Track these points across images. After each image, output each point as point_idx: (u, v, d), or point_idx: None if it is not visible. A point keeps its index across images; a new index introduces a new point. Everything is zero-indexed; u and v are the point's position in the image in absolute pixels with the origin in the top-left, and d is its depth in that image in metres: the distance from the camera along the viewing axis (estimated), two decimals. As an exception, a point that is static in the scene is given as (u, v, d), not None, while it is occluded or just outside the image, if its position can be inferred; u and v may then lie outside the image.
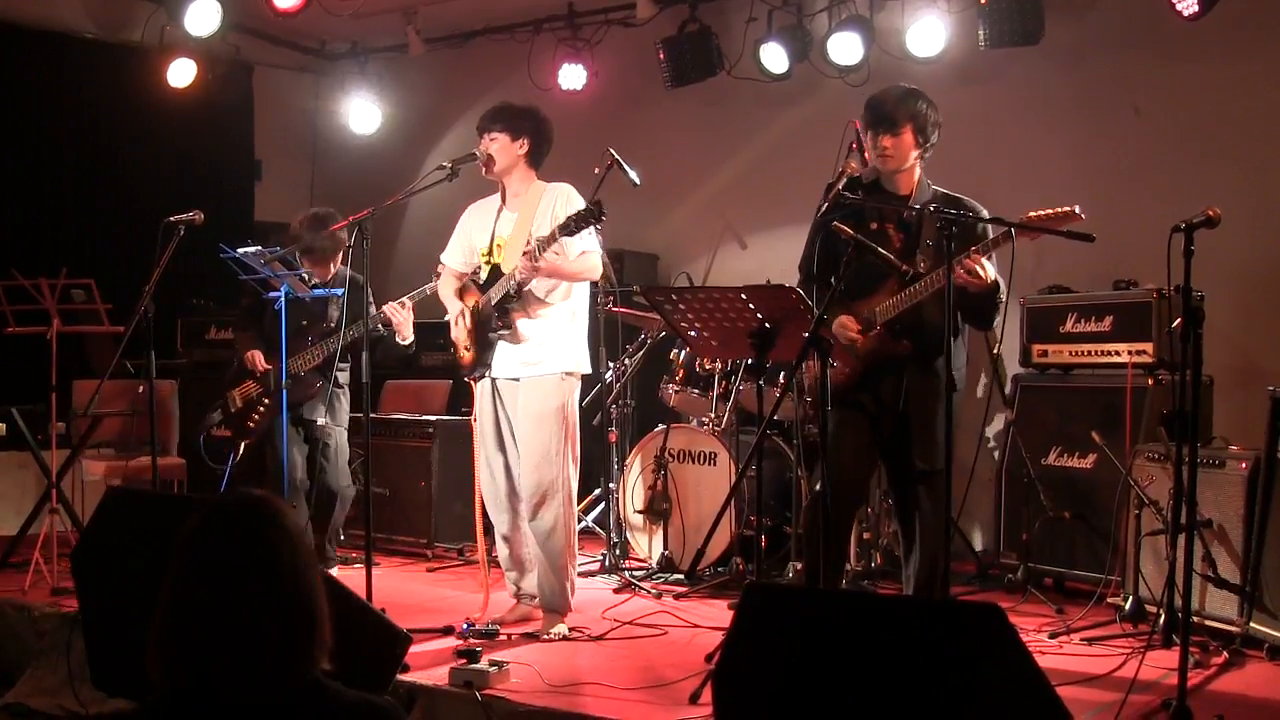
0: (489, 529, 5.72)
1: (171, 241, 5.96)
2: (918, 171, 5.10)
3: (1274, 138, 6.91)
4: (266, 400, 6.48)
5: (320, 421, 6.56)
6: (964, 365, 5.13)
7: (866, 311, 4.97)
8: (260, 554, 2.31)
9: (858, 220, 5.01)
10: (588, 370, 5.60)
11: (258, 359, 6.57)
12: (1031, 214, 4.58)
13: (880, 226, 5.04)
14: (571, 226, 5.14)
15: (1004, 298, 4.83)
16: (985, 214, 4.88)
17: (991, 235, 4.73)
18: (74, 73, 9.21)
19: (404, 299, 6.13)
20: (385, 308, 6.13)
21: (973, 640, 2.81)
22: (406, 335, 6.19)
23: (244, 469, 6.63)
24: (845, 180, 4.95)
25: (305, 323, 6.53)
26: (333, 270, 6.63)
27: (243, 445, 6.54)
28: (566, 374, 5.44)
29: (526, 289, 5.39)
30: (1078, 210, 4.48)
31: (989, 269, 4.70)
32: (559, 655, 5.08)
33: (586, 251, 5.41)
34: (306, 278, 6.21)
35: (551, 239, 5.19)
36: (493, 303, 5.42)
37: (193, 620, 2.27)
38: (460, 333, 5.60)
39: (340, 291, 6.04)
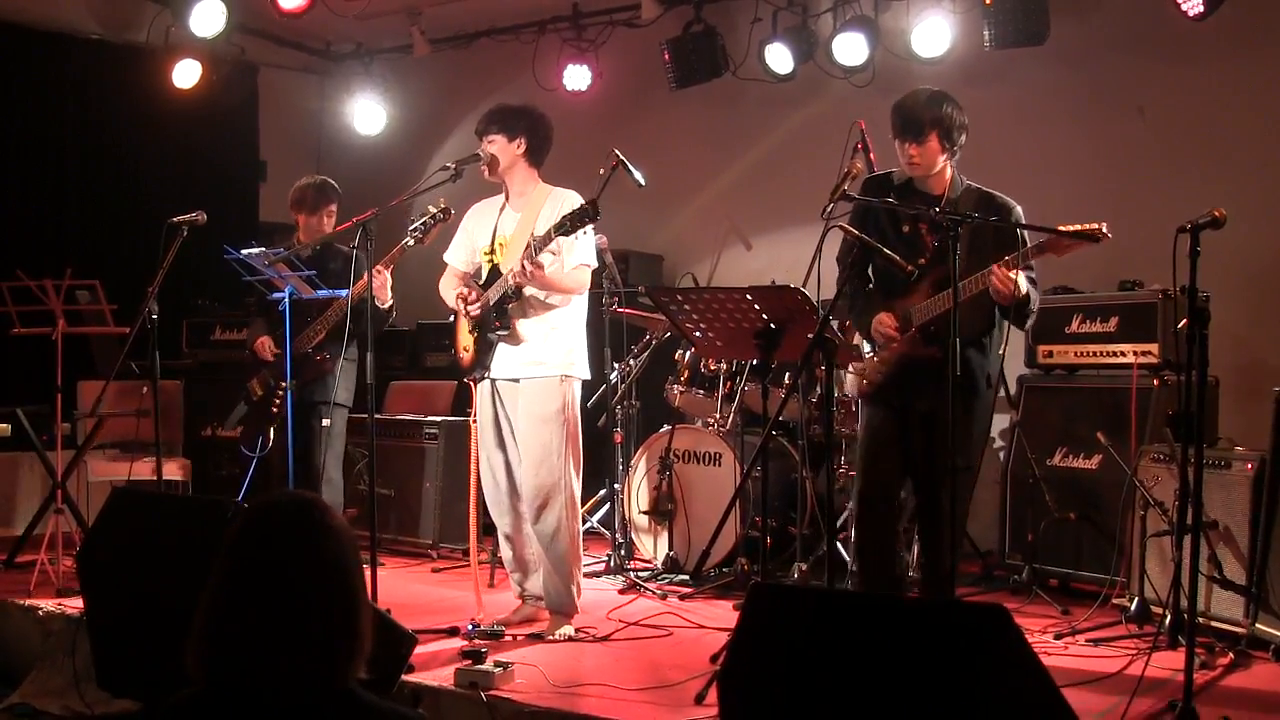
0: (487, 530, 5.71)
1: (175, 242, 5.97)
2: (949, 171, 5.04)
3: (1278, 138, 6.90)
4: (283, 383, 6.45)
5: (325, 401, 6.48)
6: (995, 370, 5.14)
7: (903, 310, 4.96)
8: (308, 555, 2.31)
9: (892, 222, 5.04)
10: (586, 375, 5.59)
11: (265, 346, 6.52)
12: (1062, 228, 4.54)
13: (913, 229, 5.01)
14: (567, 226, 5.12)
15: (1034, 307, 4.84)
16: (1018, 210, 4.87)
17: (1028, 244, 4.72)
18: (79, 73, 9.22)
19: (378, 265, 5.94)
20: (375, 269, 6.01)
21: (978, 641, 2.81)
22: (385, 299, 6.11)
23: (274, 458, 6.58)
24: (851, 181, 4.96)
25: (305, 302, 6.43)
26: (327, 227, 6.58)
27: (271, 430, 6.51)
28: (566, 376, 5.44)
29: (527, 291, 5.38)
30: (1104, 229, 4.46)
31: (1021, 282, 4.66)
32: (564, 656, 5.08)
33: (580, 265, 5.41)
34: (311, 279, 6.19)
35: (547, 239, 5.17)
36: (491, 303, 5.42)
37: (237, 619, 2.27)
38: (460, 332, 5.60)
39: (344, 293, 6.02)
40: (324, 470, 6.48)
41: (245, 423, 6.67)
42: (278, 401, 6.41)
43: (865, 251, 4.60)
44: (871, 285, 5.19)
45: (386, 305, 6.20)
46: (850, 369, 5.32)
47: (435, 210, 5.70)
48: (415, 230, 5.70)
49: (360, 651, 2.35)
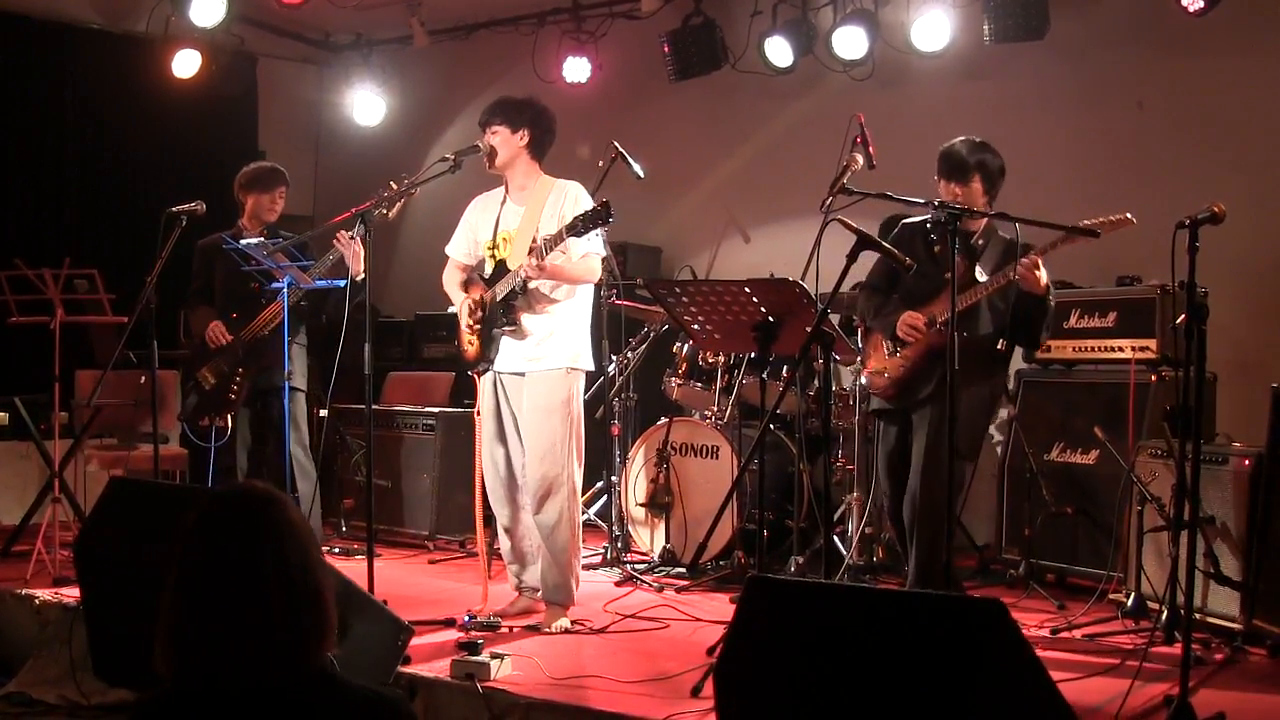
0: (489, 520, 5.72)
1: (174, 232, 5.97)
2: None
3: (1278, 133, 6.90)
4: (240, 369, 6.40)
5: (289, 385, 6.39)
6: (999, 367, 5.45)
7: (929, 314, 5.26)
8: (263, 543, 2.31)
9: (925, 241, 5.37)
10: (591, 367, 5.59)
11: (220, 332, 6.41)
12: (1086, 222, 4.86)
13: (944, 249, 5.25)
14: (579, 227, 5.12)
15: (1052, 304, 5.25)
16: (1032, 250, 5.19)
17: (1055, 238, 5.04)
18: (78, 63, 9.23)
19: (345, 233, 5.79)
20: (337, 236, 5.84)
21: (974, 636, 2.81)
22: (358, 269, 5.80)
23: (230, 446, 6.55)
24: (850, 175, 5.01)
25: (254, 285, 6.37)
26: (279, 209, 6.56)
27: (230, 418, 6.47)
28: (571, 369, 5.44)
29: (532, 285, 5.38)
30: (1130, 216, 4.84)
31: (1044, 273, 5.05)
32: (561, 648, 5.08)
33: (588, 254, 5.40)
34: (309, 268, 6.18)
35: (558, 239, 5.17)
36: (498, 298, 5.41)
37: (200, 615, 2.27)
38: (464, 326, 5.60)
39: (343, 283, 5.99)
40: (295, 461, 6.40)
41: (200, 413, 6.54)
42: (235, 388, 6.37)
43: (864, 245, 4.60)
44: (895, 294, 5.49)
45: (361, 277, 5.85)
46: (868, 367, 5.59)
47: (401, 186, 5.62)
48: (382, 204, 5.58)
49: (328, 631, 2.35)
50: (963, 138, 5.39)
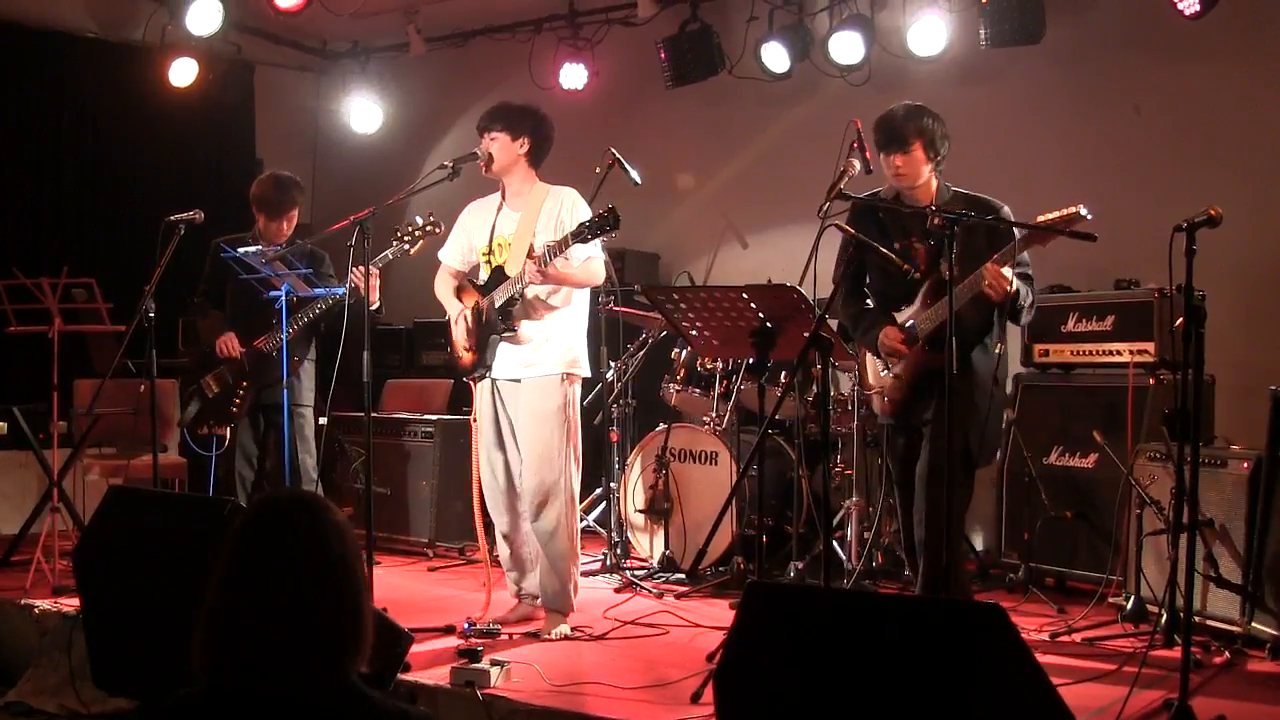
0: (489, 528, 5.71)
1: (172, 241, 5.97)
2: (935, 181, 5.20)
3: (1275, 137, 6.90)
4: (245, 382, 6.39)
5: (297, 405, 6.36)
6: (999, 369, 5.22)
7: (905, 323, 5.10)
8: (311, 550, 2.32)
9: (883, 235, 5.15)
10: (587, 374, 5.59)
11: (232, 345, 6.39)
12: (1041, 217, 4.69)
13: (905, 243, 5.15)
14: (586, 234, 5.12)
15: (1026, 302, 4.97)
16: (1006, 209, 5.00)
17: (1013, 242, 4.82)
18: (75, 72, 9.22)
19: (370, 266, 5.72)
20: (353, 272, 5.78)
21: (974, 640, 2.81)
22: (374, 300, 5.79)
23: (229, 455, 6.55)
24: (847, 180, 4.99)
25: (266, 299, 6.28)
26: (287, 230, 6.53)
27: (229, 430, 6.46)
28: (567, 374, 5.44)
29: (529, 292, 5.37)
30: (1083, 211, 4.57)
31: (1009, 277, 4.80)
32: (560, 655, 5.08)
33: (591, 258, 5.41)
34: (308, 277, 6.17)
35: (564, 245, 5.17)
36: (496, 305, 5.41)
37: (243, 617, 2.27)
38: (460, 333, 5.60)
39: (341, 290, 5.99)
40: (303, 471, 6.41)
41: (201, 420, 6.51)
42: (238, 401, 6.37)
43: (860, 250, 4.60)
44: (869, 302, 5.32)
45: (376, 306, 6.02)
46: (871, 391, 5.49)
47: (425, 224, 5.69)
48: (405, 240, 5.69)
49: (364, 645, 2.36)
50: (900, 104, 5.20)
